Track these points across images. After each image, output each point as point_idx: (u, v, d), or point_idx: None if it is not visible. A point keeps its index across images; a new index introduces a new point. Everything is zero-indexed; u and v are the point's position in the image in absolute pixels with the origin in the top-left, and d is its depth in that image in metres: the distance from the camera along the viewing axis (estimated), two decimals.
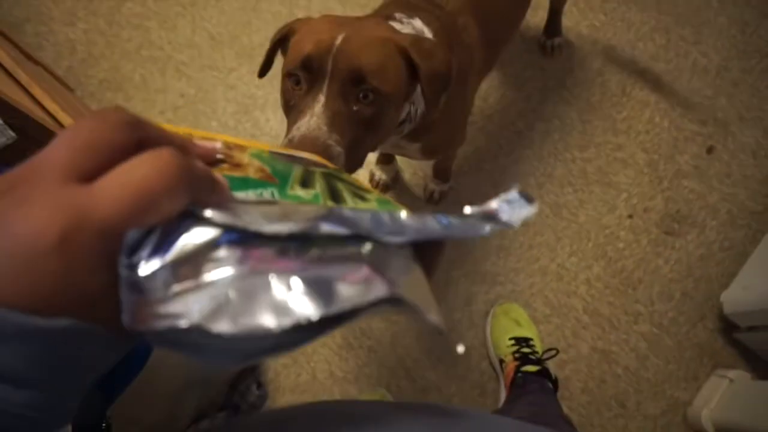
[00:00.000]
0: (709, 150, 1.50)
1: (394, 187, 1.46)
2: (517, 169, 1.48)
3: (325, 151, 0.62)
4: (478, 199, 1.42)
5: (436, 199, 1.43)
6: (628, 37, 1.61)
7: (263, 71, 0.81)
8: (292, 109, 0.69)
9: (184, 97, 1.54)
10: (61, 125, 0.85)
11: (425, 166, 1.46)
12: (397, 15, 0.83)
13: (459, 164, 1.47)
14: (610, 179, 1.47)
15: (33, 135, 0.74)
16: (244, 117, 1.53)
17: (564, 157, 1.49)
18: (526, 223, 1.41)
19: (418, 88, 0.76)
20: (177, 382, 1.05)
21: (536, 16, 1.60)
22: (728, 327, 1.34)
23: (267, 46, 1.65)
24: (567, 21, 1.59)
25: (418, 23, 0.83)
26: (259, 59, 1.62)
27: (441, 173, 1.37)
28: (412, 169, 1.48)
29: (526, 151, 1.49)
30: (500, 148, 1.50)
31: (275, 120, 1.52)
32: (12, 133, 0.67)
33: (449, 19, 0.88)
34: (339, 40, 0.66)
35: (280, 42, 0.77)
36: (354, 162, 0.69)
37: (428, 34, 0.82)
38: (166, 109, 1.53)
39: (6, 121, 0.67)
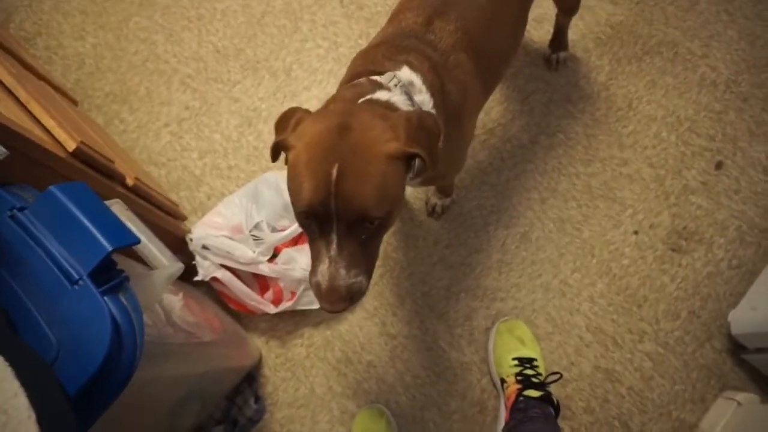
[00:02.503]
0: (718, 165, 1.47)
1: None
2: (520, 184, 1.46)
3: (349, 292, 0.70)
4: (481, 213, 1.41)
5: (438, 213, 1.42)
6: (635, 51, 1.59)
7: (273, 159, 0.81)
8: (310, 241, 0.73)
9: (188, 109, 1.56)
10: (58, 141, 0.86)
11: None
12: (384, 79, 0.80)
13: (461, 178, 1.46)
14: (616, 195, 1.45)
15: (26, 152, 0.75)
16: (248, 130, 1.53)
17: (568, 172, 1.47)
18: (528, 239, 1.40)
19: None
20: (175, 396, 1.04)
21: (541, 29, 1.59)
22: (736, 348, 1.31)
23: (272, 60, 1.66)
24: (572, 34, 1.57)
25: (405, 74, 0.82)
26: (264, 72, 1.64)
27: (443, 189, 1.36)
28: None
29: (529, 165, 1.48)
30: (503, 162, 1.49)
31: None
32: (3, 149, 0.68)
33: (441, 58, 0.87)
34: (334, 175, 0.66)
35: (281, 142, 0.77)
36: (371, 267, 0.75)
37: (417, 80, 0.82)
38: (170, 121, 1.54)
39: None
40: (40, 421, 0.50)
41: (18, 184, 0.71)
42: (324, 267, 0.70)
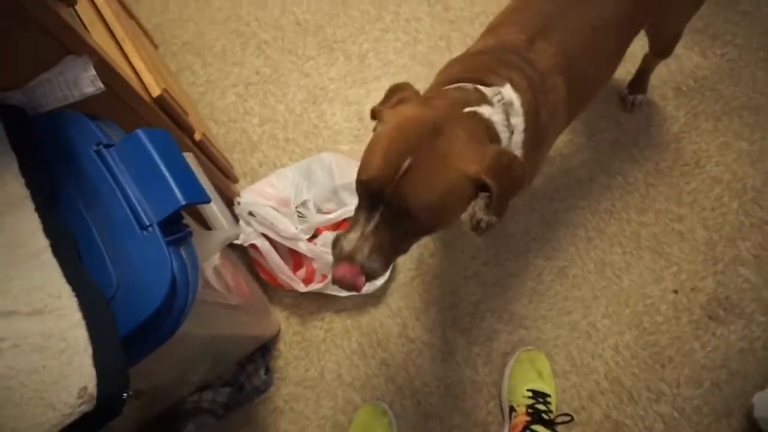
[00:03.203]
0: None
1: None
2: (570, 218, 1.44)
3: (361, 270, 0.71)
4: (524, 238, 1.39)
5: (482, 229, 1.41)
6: (714, 109, 1.54)
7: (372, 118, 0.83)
8: (357, 207, 0.75)
9: (258, 74, 1.57)
10: (144, 85, 0.88)
11: None
12: (489, 92, 0.81)
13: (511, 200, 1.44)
14: (663, 249, 1.42)
15: (117, 91, 0.76)
16: (312, 107, 1.54)
17: (620, 217, 1.44)
18: (565, 274, 1.38)
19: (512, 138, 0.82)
20: (196, 352, 1.06)
21: (623, 68, 1.55)
22: (754, 430, 1.27)
23: (349, 43, 1.66)
24: (654, 79, 1.54)
25: (508, 92, 0.82)
26: (339, 53, 1.64)
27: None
28: None
29: (582, 202, 1.46)
30: (557, 192, 1.46)
31: (341, 115, 1.53)
32: (101, 85, 0.69)
33: (539, 78, 0.87)
34: (404, 167, 0.67)
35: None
36: (392, 260, 0.76)
37: (517, 102, 0.82)
38: (238, 82, 1.56)
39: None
40: (95, 356, 0.51)
41: (104, 120, 0.73)
42: (353, 236, 0.72)
